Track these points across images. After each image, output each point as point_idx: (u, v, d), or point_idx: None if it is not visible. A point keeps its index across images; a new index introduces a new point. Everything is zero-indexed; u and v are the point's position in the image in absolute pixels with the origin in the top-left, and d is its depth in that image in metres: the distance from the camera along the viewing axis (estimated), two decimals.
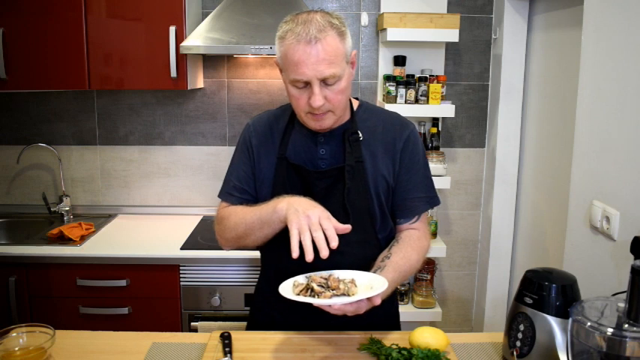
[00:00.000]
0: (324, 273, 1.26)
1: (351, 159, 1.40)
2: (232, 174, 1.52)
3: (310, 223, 1.18)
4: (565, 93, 2.16)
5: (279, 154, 1.44)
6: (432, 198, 1.50)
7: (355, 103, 1.49)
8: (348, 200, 1.39)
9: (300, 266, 1.43)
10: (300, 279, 1.26)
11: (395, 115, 1.50)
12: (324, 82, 1.28)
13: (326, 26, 1.26)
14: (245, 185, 1.49)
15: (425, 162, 1.49)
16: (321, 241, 1.16)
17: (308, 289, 1.20)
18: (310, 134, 1.43)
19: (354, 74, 1.39)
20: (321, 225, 1.18)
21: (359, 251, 1.44)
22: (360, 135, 1.42)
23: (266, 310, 1.52)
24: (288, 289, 1.22)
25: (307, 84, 1.28)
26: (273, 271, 1.52)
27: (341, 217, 1.37)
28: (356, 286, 1.23)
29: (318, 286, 1.20)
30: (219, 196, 1.53)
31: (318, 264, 1.42)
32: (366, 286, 1.23)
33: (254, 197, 1.50)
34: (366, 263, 1.44)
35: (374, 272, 1.31)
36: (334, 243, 1.16)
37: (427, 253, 1.48)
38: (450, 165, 2.72)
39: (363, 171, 1.40)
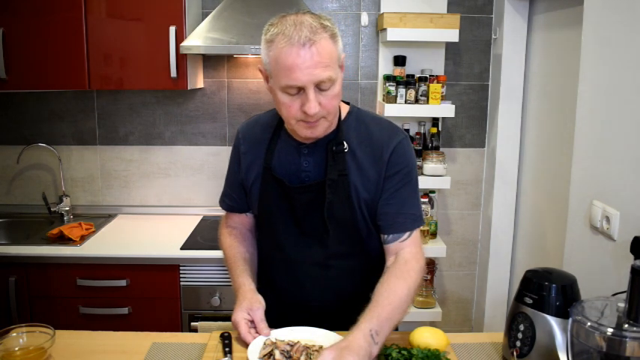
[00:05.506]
0: (295, 338, 1.29)
1: (333, 172, 1.33)
2: (226, 180, 1.57)
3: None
4: (565, 93, 2.16)
5: (264, 163, 1.41)
6: (418, 217, 1.39)
7: (344, 110, 1.41)
8: (329, 214, 1.34)
9: (287, 264, 1.44)
10: (273, 338, 1.29)
11: (386, 124, 1.41)
12: (317, 87, 1.21)
13: (319, 28, 1.19)
14: (233, 193, 1.54)
15: (415, 176, 1.39)
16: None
17: (271, 356, 1.23)
18: (295, 145, 1.38)
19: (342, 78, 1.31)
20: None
21: (345, 263, 1.42)
22: (346, 145, 1.35)
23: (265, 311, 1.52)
24: (257, 348, 1.26)
25: (300, 90, 1.21)
26: (266, 272, 1.53)
27: (321, 231, 1.37)
28: None
29: (280, 354, 1.22)
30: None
31: (305, 276, 1.43)
32: None
33: (241, 204, 1.53)
34: (353, 274, 1.43)
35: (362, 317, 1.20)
36: (265, 332, 1.31)
37: (420, 273, 1.33)
38: (450, 165, 2.72)
39: (347, 184, 1.34)
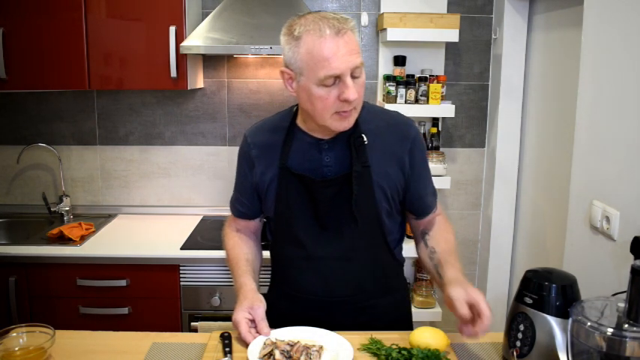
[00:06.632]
0: (295, 338, 1.29)
1: (358, 165, 1.36)
2: (236, 185, 1.56)
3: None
4: (565, 93, 2.16)
5: (280, 163, 1.41)
6: (436, 192, 1.54)
7: None
8: (356, 207, 1.37)
9: (308, 261, 1.44)
10: (273, 338, 1.29)
11: (396, 115, 1.48)
12: (351, 74, 1.25)
13: (342, 20, 1.25)
14: (244, 198, 1.53)
15: (427, 157, 1.52)
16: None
17: (271, 356, 1.23)
18: (314, 142, 1.40)
19: None
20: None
21: (367, 256, 1.44)
22: (365, 138, 1.39)
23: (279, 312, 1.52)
24: (257, 347, 1.26)
25: (336, 80, 1.24)
26: (285, 272, 1.52)
27: (349, 225, 1.38)
28: (320, 357, 1.22)
29: (280, 354, 1.22)
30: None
31: (328, 271, 1.43)
32: (332, 357, 1.24)
33: (253, 209, 1.53)
34: (374, 267, 1.45)
35: (433, 266, 1.43)
36: (265, 330, 1.31)
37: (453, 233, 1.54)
38: (450, 165, 2.72)
39: (369, 176, 1.37)
